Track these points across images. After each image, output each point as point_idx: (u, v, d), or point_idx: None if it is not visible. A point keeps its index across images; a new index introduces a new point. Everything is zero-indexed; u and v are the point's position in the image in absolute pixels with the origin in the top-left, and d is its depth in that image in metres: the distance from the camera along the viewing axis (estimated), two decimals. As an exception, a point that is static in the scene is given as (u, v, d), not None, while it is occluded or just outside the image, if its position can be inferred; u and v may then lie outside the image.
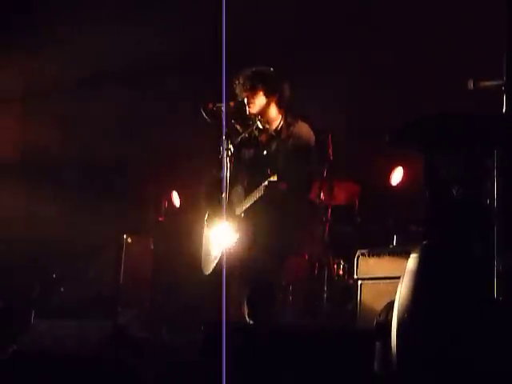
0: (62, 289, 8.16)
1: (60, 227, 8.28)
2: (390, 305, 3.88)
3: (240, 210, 5.49)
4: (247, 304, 5.46)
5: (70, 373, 5.01)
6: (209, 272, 5.74)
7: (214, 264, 5.64)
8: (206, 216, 5.84)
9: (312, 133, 5.57)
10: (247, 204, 5.44)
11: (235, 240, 5.31)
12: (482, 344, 3.43)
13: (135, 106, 8.60)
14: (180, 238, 7.82)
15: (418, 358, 3.50)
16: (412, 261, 3.63)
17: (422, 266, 3.58)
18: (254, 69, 5.66)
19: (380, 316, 5.40)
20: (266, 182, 5.15)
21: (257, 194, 5.32)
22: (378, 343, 3.97)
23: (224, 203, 5.13)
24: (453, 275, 3.53)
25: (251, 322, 5.39)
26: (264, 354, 4.07)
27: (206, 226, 5.88)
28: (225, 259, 5.11)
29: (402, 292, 3.62)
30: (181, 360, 5.56)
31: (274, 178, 5.11)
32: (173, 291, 8.12)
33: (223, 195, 5.06)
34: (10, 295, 7.92)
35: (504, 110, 3.69)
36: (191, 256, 6.24)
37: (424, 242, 3.69)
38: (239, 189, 5.57)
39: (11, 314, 7.53)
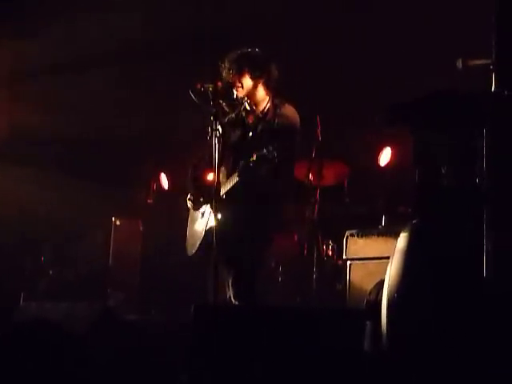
0: (50, 271, 8.15)
1: (48, 209, 8.27)
2: (380, 284, 3.89)
3: (222, 191, 5.47)
4: (232, 285, 5.46)
5: (59, 355, 5.01)
6: (191, 253, 5.73)
7: (198, 245, 5.63)
8: (189, 197, 5.82)
9: (297, 115, 5.54)
10: (228, 186, 5.43)
11: (219, 221, 5.28)
12: (472, 323, 3.43)
13: (123, 88, 8.56)
14: (169, 220, 7.83)
15: (408, 336, 3.51)
16: (401, 240, 3.64)
17: (411, 245, 3.59)
18: (239, 51, 5.58)
19: (370, 295, 5.42)
20: (241, 165, 5.14)
21: (234, 179, 5.31)
22: (368, 322, 3.98)
23: (210, 184, 5.12)
24: (442, 254, 3.54)
25: (236, 303, 5.38)
26: (251, 335, 4.07)
27: (189, 208, 5.86)
28: (210, 240, 5.09)
29: (391, 271, 3.62)
30: (170, 342, 5.57)
31: (251, 161, 5.09)
32: (162, 273, 8.13)
33: (212, 176, 5.04)
34: (-1, 278, 7.91)
35: (493, 89, 3.68)
36: (179, 238, 6.23)
37: (413, 222, 3.69)
38: (223, 170, 5.56)
39: (0, 297, 7.51)
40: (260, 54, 5.58)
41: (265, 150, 5.01)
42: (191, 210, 5.87)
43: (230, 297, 5.43)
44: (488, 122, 3.57)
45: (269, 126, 5.42)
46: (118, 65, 8.46)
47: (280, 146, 5.03)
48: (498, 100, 3.65)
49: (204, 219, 5.61)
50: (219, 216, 5.24)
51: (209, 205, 5.48)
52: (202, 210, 5.71)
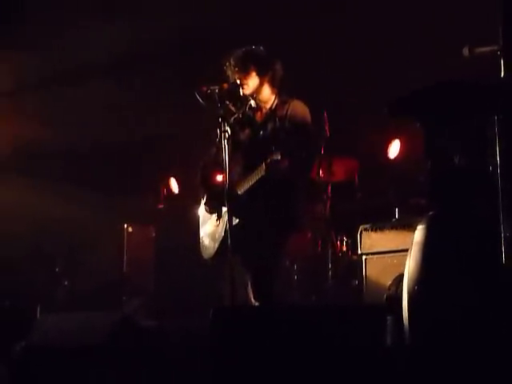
0: (65, 282, 8.16)
1: (59, 220, 8.26)
2: (400, 278, 3.88)
3: (240, 190, 5.45)
4: (252, 286, 5.43)
5: (79, 365, 5.01)
6: (209, 256, 5.70)
7: (217, 247, 5.61)
8: (204, 200, 5.81)
9: (307, 110, 5.52)
10: (248, 184, 5.39)
11: (236, 222, 5.27)
12: (494, 312, 3.41)
13: (128, 95, 8.55)
14: (181, 224, 7.81)
15: (431, 329, 3.48)
16: (419, 232, 3.61)
17: (429, 237, 3.56)
18: (244, 49, 5.58)
19: (390, 290, 5.39)
20: (268, 161, 5.11)
21: (258, 174, 5.27)
22: (389, 317, 3.95)
23: (224, 185, 5.10)
24: (460, 244, 3.51)
25: (257, 303, 5.36)
26: (272, 336, 4.05)
27: (203, 210, 5.84)
28: (228, 242, 5.06)
29: (410, 264, 3.59)
30: (188, 346, 5.56)
31: (276, 157, 5.07)
32: (176, 277, 8.11)
33: (223, 177, 5.02)
34: (15, 292, 7.90)
35: (502, 75, 3.65)
36: (192, 241, 6.21)
37: (430, 213, 3.67)
38: (238, 169, 5.53)
39: (18, 312, 7.52)
40: (264, 52, 5.58)
41: (287, 148, 5.00)
42: (202, 213, 5.85)
43: (250, 298, 5.40)
44: (499, 109, 3.54)
45: (280, 123, 5.41)
46: (123, 72, 8.45)
47: (298, 141, 5.03)
48: (508, 86, 3.62)
49: (221, 220, 5.58)
50: (237, 216, 5.23)
51: (225, 206, 5.44)
52: (217, 211, 5.68)
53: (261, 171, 5.21)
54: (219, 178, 5.68)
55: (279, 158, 5.02)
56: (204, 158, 5.81)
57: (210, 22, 8.02)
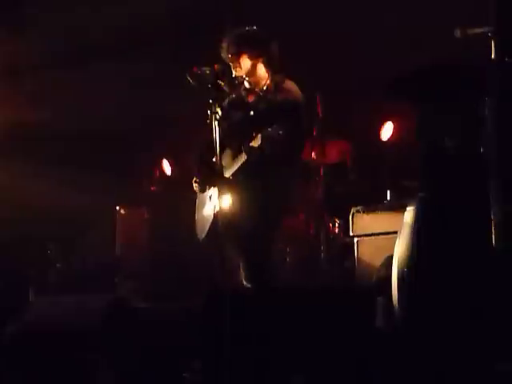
0: (58, 264, 8.15)
1: (52, 202, 8.25)
2: (390, 259, 3.89)
3: (229, 173, 5.46)
4: (244, 268, 5.44)
5: (72, 348, 5.02)
6: (202, 237, 5.72)
7: (207, 229, 5.62)
8: (194, 179, 5.80)
9: (299, 90, 5.51)
10: (235, 167, 5.41)
11: (227, 204, 5.27)
12: (483, 292, 3.43)
13: (121, 77, 8.52)
14: (174, 206, 7.81)
15: (420, 309, 3.50)
16: (408, 214, 3.63)
17: (418, 218, 3.58)
18: (237, 31, 5.57)
19: (380, 271, 5.41)
20: (248, 147, 5.12)
21: (242, 158, 5.29)
22: (379, 298, 3.97)
23: (216, 167, 5.09)
24: (450, 225, 3.52)
25: (249, 285, 5.37)
26: (265, 317, 4.06)
27: (196, 191, 5.85)
28: (218, 223, 5.06)
29: (399, 245, 3.61)
30: (182, 328, 5.57)
31: (256, 143, 5.08)
32: (170, 259, 8.12)
33: (214, 159, 5.02)
34: (7, 275, 7.90)
35: (493, 57, 3.65)
36: (186, 223, 6.22)
37: (420, 194, 3.68)
38: (228, 151, 5.54)
39: (10, 295, 7.52)
40: (258, 33, 5.56)
41: (270, 129, 5.00)
42: (198, 194, 5.85)
43: (242, 280, 5.41)
44: (490, 92, 3.55)
45: (271, 103, 5.40)
46: (119, 55, 8.41)
47: (286, 122, 5.01)
48: (499, 68, 3.62)
49: (212, 202, 5.58)
50: (227, 198, 5.23)
51: (216, 187, 5.44)
52: (209, 193, 5.68)
53: (243, 156, 5.23)
54: (213, 159, 5.69)
55: (259, 143, 5.03)
56: (198, 139, 5.81)
57: (208, 2, 7.99)
